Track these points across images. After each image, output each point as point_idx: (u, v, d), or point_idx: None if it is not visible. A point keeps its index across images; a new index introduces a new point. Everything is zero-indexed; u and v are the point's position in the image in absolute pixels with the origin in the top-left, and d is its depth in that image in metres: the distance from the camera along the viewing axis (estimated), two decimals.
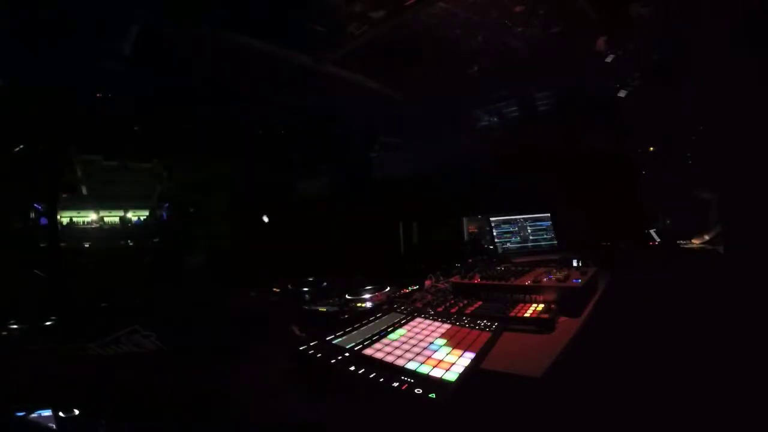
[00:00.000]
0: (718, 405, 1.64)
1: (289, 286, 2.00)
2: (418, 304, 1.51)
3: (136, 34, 2.73)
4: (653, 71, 3.08)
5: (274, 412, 0.99)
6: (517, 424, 0.92)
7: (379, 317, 1.30)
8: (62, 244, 4.89)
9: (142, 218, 7.61)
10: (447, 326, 1.23)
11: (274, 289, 1.98)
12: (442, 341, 1.10)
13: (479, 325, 1.24)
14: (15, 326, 1.40)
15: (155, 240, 7.21)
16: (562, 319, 1.34)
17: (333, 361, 0.96)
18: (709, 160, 3.08)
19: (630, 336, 1.94)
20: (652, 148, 3.75)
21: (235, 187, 6.76)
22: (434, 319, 1.29)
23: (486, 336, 1.15)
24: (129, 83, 3.62)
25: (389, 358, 0.98)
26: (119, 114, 4.31)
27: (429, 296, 1.63)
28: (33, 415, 0.83)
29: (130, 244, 7.07)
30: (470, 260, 2.42)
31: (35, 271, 3.81)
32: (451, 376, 0.90)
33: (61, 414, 0.84)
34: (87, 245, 6.61)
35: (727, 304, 2.24)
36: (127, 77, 3.34)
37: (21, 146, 4.35)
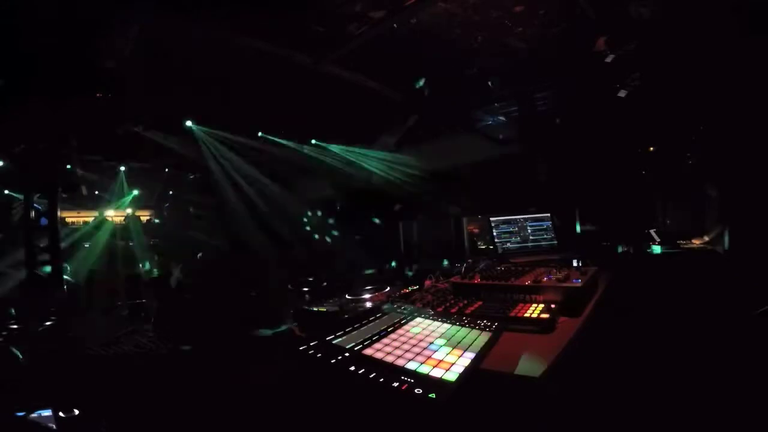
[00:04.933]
0: (717, 404, 1.64)
1: (289, 286, 2.00)
2: (418, 304, 1.51)
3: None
4: None
5: (275, 412, 0.99)
6: (517, 424, 0.92)
7: (379, 317, 1.30)
8: (62, 245, 4.89)
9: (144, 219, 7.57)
10: (447, 326, 1.23)
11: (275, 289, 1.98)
12: (442, 341, 1.10)
13: (479, 325, 1.24)
14: (15, 326, 1.40)
15: (155, 240, 7.20)
16: (562, 319, 1.34)
17: (333, 361, 0.96)
18: (710, 159, 3.08)
19: (630, 336, 1.94)
20: (652, 148, 3.75)
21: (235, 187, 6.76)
22: (434, 319, 1.29)
23: (486, 336, 1.15)
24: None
25: (389, 358, 0.98)
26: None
27: (429, 296, 1.63)
28: (33, 415, 0.83)
29: (131, 244, 7.06)
30: (470, 260, 2.42)
31: (35, 271, 3.80)
32: (451, 376, 0.90)
33: (61, 414, 0.84)
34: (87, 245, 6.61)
35: (727, 304, 2.24)
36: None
37: (21, 146, 4.35)
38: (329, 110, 4.90)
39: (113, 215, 7.91)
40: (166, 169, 7.65)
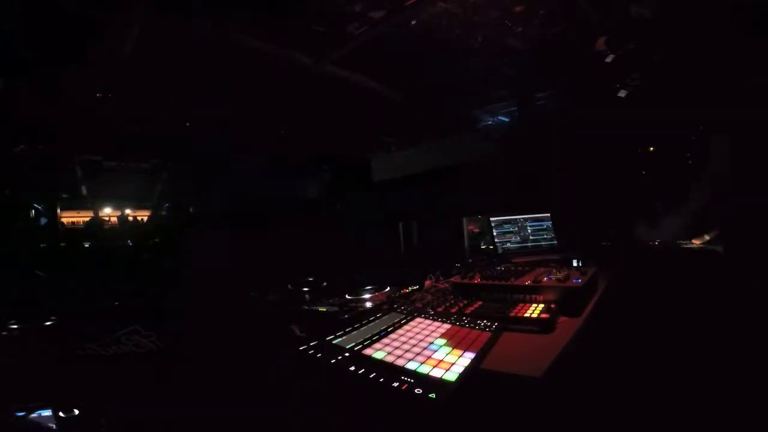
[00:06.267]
0: (717, 404, 1.64)
1: (289, 286, 2.00)
2: (418, 304, 1.51)
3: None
4: None
5: (275, 412, 0.99)
6: (517, 424, 0.92)
7: (379, 317, 1.30)
8: (62, 244, 4.90)
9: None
10: (447, 326, 1.23)
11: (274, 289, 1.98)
12: (442, 341, 1.10)
13: (479, 325, 1.24)
14: (15, 326, 1.40)
15: (155, 240, 7.21)
16: (562, 319, 1.34)
17: (333, 361, 0.96)
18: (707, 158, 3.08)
19: (630, 336, 1.94)
20: (652, 148, 3.75)
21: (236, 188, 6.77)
22: (434, 319, 1.29)
23: (486, 336, 1.15)
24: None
25: (389, 358, 0.98)
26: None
27: (429, 296, 1.63)
28: (33, 415, 0.83)
29: (130, 243, 7.07)
30: (470, 260, 2.42)
31: (36, 271, 3.80)
32: (451, 376, 0.90)
33: (61, 414, 0.84)
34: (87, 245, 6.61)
35: (727, 304, 2.24)
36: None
37: (21, 146, 4.35)
38: (329, 110, 4.90)
39: (110, 215, 7.90)
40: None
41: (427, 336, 1.14)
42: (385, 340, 1.09)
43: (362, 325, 1.21)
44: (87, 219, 7.84)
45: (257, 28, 3.06)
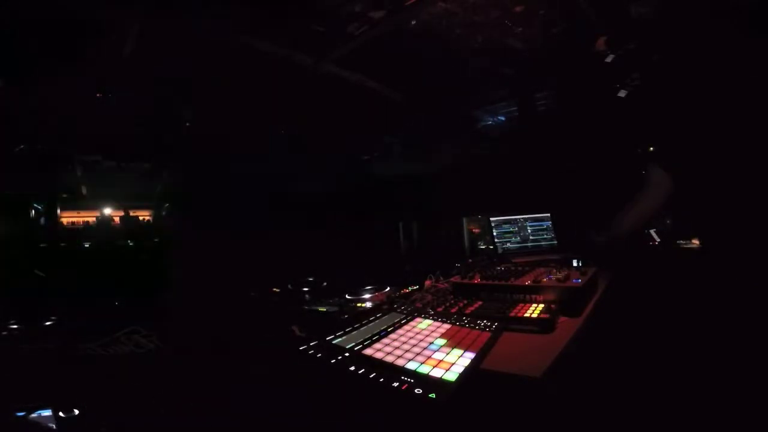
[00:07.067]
0: (718, 405, 1.64)
1: (289, 286, 2.00)
2: (418, 304, 1.51)
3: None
4: None
5: (275, 412, 0.99)
6: (517, 424, 0.92)
7: (379, 317, 1.30)
8: (62, 244, 4.90)
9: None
10: (447, 326, 1.23)
11: (274, 289, 1.98)
12: (442, 341, 1.10)
13: (479, 325, 1.24)
14: (15, 326, 1.40)
15: (155, 240, 7.21)
16: (562, 319, 1.34)
17: (333, 361, 0.96)
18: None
19: (630, 336, 1.94)
20: (652, 148, 3.75)
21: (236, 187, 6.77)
22: (434, 319, 1.29)
23: (486, 336, 1.15)
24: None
25: (389, 358, 0.98)
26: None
27: (429, 296, 1.63)
28: (33, 415, 0.83)
29: (130, 243, 7.07)
30: (470, 260, 2.42)
31: (35, 270, 3.81)
32: (451, 376, 0.90)
33: (61, 414, 0.84)
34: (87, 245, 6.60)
35: (728, 304, 2.24)
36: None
37: (21, 146, 4.35)
38: (330, 110, 4.90)
39: (111, 214, 7.89)
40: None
41: (427, 336, 1.14)
42: (385, 340, 1.09)
43: (362, 325, 1.21)
44: (87, 219, 7.84)
45: (257, 27, 3.06)
